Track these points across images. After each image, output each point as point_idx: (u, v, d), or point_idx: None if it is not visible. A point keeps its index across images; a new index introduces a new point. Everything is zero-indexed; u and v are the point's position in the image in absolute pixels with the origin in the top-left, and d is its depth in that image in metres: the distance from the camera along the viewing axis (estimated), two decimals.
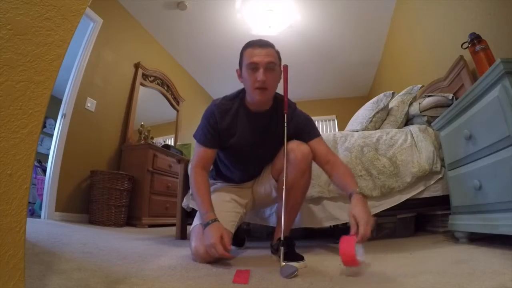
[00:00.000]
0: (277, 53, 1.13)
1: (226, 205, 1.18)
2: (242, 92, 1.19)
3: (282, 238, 0.97)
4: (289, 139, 1.15)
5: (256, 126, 1.16)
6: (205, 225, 1.00)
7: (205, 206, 1.04)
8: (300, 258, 0.96)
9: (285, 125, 1.13)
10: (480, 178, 1.05)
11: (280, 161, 1.13)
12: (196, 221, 1.12)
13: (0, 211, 0.46)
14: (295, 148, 1.10)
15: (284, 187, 1.03)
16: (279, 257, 0.91)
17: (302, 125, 1.19)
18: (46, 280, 0.70)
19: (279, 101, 1.19)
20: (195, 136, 1.19)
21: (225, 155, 1.23)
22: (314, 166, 1.17)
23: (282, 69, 1.17)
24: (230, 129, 1.15)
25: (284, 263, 0.86)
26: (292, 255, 0.97)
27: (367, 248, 1.31)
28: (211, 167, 1.32)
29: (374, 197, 1.45)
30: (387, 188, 1.45)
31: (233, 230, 1.13)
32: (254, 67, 1.06)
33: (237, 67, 1.17)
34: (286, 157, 1.09)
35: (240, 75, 1.15)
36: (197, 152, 1.17)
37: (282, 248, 0.92)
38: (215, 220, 1.00)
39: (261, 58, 1.05)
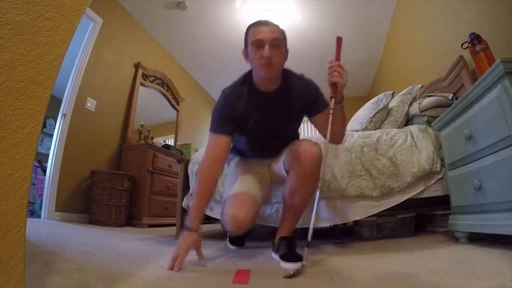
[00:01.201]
0: (283, 32, 1.11)
1: (254, 183, 1.19)
2: (248, 75, 1.17)
3: (290, 235, 0.97)
4: (299, 112, 1.18)
5: (269, 105, 1.15)
6: (186, 228, 1.00)
7: (196, 211, 1.04)
8: (300, 258, 0.95)
9: (331, 108, 1.11)
10: (480, 178, 1.05)
11: (291, 155, 1.14)
12: (232, 188, 1.15)
13: (0, 211, 0.46)
14: (306, 149, 1.09)
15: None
16: (280, 256, 0.91)
17: (313, 96, 1.17)
18: (46, 280, 0.70)
19: (289, 77, 1.17)
20: (210, 129, 1.16)
21: (246, 140, 1.24)
22: None
23: (288, 49, 1.14)
24: (246, 113, 1.14)
25: (285, 263, 0.86)
26: (292, 255, 0.97)
27: (367, 248, 1.31)
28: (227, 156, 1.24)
29: (374, 197, 1.45)
30: (387, 188, 1.45)
31: (260, 201, 1.15)
32: (259, 44, 1.04)
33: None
34: (296, 157, 1.08)
35: (246, 56, 1.14)
36: (208, 143, 1.14)
37: (306, 248, 0.91)
38: (196, 230, 0.99)
39: (265, 34, 1.04)
